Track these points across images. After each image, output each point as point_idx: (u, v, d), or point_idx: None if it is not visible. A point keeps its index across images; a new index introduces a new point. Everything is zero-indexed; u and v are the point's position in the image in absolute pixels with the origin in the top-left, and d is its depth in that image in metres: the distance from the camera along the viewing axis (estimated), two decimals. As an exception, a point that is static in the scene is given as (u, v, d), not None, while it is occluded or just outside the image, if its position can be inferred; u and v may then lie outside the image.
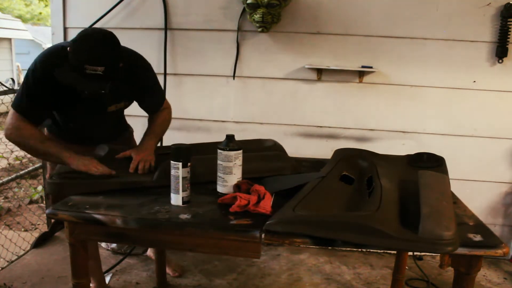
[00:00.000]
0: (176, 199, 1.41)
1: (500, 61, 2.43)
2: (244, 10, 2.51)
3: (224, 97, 2.69)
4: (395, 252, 2.36)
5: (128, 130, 2.17)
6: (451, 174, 1.67)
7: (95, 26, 2.67)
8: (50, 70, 1.55)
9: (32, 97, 1.61)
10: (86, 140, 1.90)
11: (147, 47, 2.67)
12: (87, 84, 1.51)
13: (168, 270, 2.36)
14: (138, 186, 1.56)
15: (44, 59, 1.62)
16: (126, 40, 2.68)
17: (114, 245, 2.65)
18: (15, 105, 1.63)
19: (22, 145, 1.63)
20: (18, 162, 4.71)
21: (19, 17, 14.38)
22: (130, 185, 1.56)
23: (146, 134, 1.90)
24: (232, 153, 1.46)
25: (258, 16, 2.42)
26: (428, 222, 1.18)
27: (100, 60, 1.50)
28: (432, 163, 1.77)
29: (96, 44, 1.52)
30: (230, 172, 1.47)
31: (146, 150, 1.76)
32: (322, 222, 1.23)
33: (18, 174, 2.75)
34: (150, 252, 2.53)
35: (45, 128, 1.93)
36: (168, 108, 2.00)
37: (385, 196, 1.36)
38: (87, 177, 1.56)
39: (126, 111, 2.01)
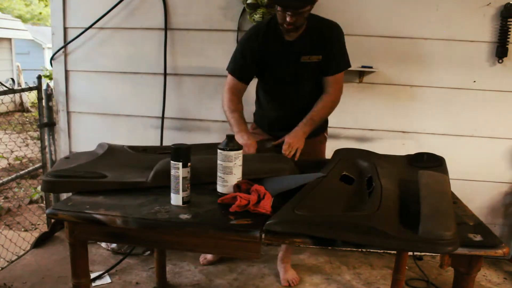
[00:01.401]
0: (176, 199, 1.41)
1: (500, 61, 2.43)
2: (244, 10, 2.51)
3: (224, 97, 2.68)
4: (395, 252, 2.36)
5: (324, 134, 2.21)
6: (451, 174, 1.67)
7: (95, 26, 2.67)
8: (254, 30, 1.98)
9: (238, 58, 1.98)
10: (282, 108, 2.08)
11: (147, 47, 2.69)
12: (289, 2, 1.73)
13: (284, 282, 2.36)
14: (133, 187, 1.55)
15: (249, 29, 2.03)
16: (126, 40, 2.71)
17: (114, 245, 2.65)
18: (229, 67, 2.01)
19: (223, 104, 1.99)
20: (18, 162, 4.71)
21: (19, 17, 14.38)
22: (124, 185, 1.54)
23: (304, 118, 1.96)
24: (232, 153, 1.46)
25: (258, 16, 2.42)
26: (428, 222, 1.18)
27: None
28: (432, 163, 1.77)
29: None
30: (230, 172, 1.47)
31: (296, 137, 1.89)
32: (322, 222, 1.23)
33: (18, 174, 2.75)
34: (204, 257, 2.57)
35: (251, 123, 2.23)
36: (337, 91, 2.01)
37: (385, 196, 1.36)
38: (81, 176, 1.55)
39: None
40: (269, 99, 2.13)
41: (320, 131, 2.13)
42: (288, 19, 1.78)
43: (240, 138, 1.81)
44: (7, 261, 2.51)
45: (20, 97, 8.78)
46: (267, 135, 2.14)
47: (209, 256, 2.55)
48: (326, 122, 2.19)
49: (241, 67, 1.99)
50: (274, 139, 1.97)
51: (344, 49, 1.98)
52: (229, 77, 2.01)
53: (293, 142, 1.86)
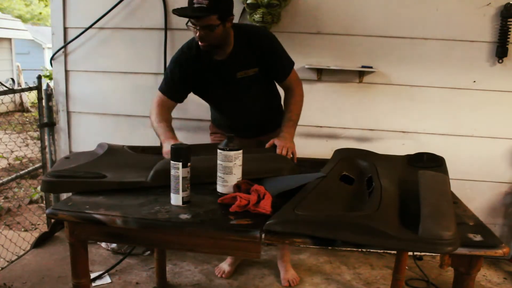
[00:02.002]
0: (176, 199, 1.41)
1: (500, 61, 2.43)
2: (244, 10, 2.51)
3: (224, 97, 2.68)
4: (395, 252, 2.36)
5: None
6: (451, 174, 1.67)
7: (95, 26, 2.67)
8: (185, 51, 1.93)
9: (169, 77, 1.94)
10: (236, 122, 2.08)
11: (147, 47, 2.68)
12: (194, 14, 1.69)
13: (284, 282, 2.35)
14: (132, 187, 1.55)
15: (179, 49, 1.97)
16: (126, 40, 2.71)
17: (114, 245, 2.65)
18: (160, 86, 1.97)
19: (150, 117, 1.93)
20: (18, 162, 4.71)
21: (19, 17, 14.39)
22: (124, 185, 1.54)
23: (284, 122, 1.97)
24: (232, 153, 1.46)
25: (258, 16, 2.42)
26: (428, 222, 1.18)
27: None
28: (432, 163, 1.77)
29: None
30: (230, 172, 1.47)
31: (286, 139, 1.89)
32: (322, 222, 1.23)
33: (18, 174, 2.75)
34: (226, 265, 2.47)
35: (210, 122, 2.25)
36: (299, 87, 2.01)
37: (385, 196, 1.36)
38: (81, 176, 1.56)
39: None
40: (219, 113, 2.14)
41: (279, 125, 2.07)
42: (198, 34, 1.74)
43: (167, 146, 1.68)
44: (7, 261, 2.51)
45: (20, 97, 8.78)
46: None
47: (227, 269, 2.43)
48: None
49: (171, 87, 1.94)
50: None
51: (280, 51, 1.94)
52: (160, 95, 1.95)
53: (285, 144, 1.85)
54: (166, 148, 1.69)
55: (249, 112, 2.06)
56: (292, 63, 2.00)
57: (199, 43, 1.78)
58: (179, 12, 1.69)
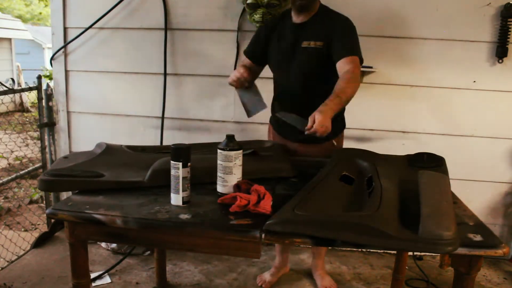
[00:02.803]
0: (176, 199, 1.41)
1: (500, 61, 2.43)
2: (244, 10, 2.51)
3: (224, 97, 2.69)
4: (395, 252, 2.36)
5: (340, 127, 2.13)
6: (451, 174, 1.67)
7: (95, 26, 2.67)
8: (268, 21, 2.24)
9: (252, 40, 2.12)
10: (284, 97, 2.08)
11: (147, 47, 2.69)
12: None
13: None
14: (130, 186, 1.54)
15: None
16: (126, 40, 2.71)
17: (114, 245, 2.65)
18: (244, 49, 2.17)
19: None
20: (18, 162, 4.71)
21: (19, 17, 14.39)
22: (121, 184, 1.54)
23: (330, 97, 1.73)
24: (232, 153, 1.46)
25: (258, 16, 2.42)
26: (428, 222, 1.18)
27: None
28: (432, 163, 1.76)
29: None
30: (230, 172, 1.47)
31: (322, 115, 1.63)
32: (322, 222, 1.23)
33: (18, 174, 2.75)
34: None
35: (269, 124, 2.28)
36: (354, 70, 1.81)
37: (385, 196, 1.36)
38: (78, 175, 1.56)
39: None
40: (276, 94, 2.16)
41: (331, 136, 1.97)
42: None
43: (233, 72, 1.95)
44: (7, 261, 2.51)
45: (20, 97, 8.78)
46: (284, 140, 2.11)
47: (268, 278, 2.35)
48: (341, 125, 2.12)
49: (252, 45, 2.11)
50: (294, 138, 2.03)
51: (351, 34, 1.89)
52: (242, 56, 2.17)
53: (320, 121, 1.61)
54: (232, 74, 1.95)
55: (298, 90, 1.99)
56: (357, 52, 1.86)
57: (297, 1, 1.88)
58: None
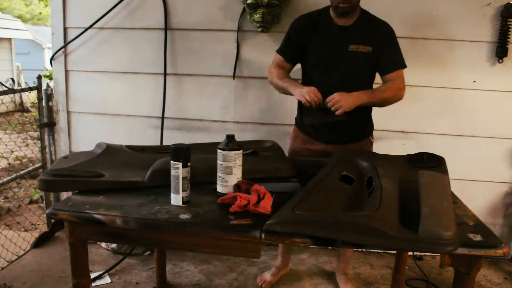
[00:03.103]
0: (176, 199, 1.41)
1: (500, 61, 2.43)
2: (244, 10, 2.51)
3: (224, 97, 2.69)
4: (395, 252, 2.36)
5: (370, 139, 2.15)
6: (451, 174, 1.67)
7: (95, 26, 2.67)
8: (305, 15, 2.02)
9: (288, 38, 2.04)
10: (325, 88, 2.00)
11: (147, 47, 2.69)
12: None
13: None
14: (130, 186, 1.54)
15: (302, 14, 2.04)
16: (126, 40, 2.71)
17: (114, 245, 2.65)
18: (278, 48, 2.08)
19: (271, 81, 2.05)
20: (18, 162, 4.71)
21: (19, 17, 14.39)
22: (121, 184, 1.54)
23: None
24: (232, 153, 1.46)
25: (258, 16, 2.42)
26: (428, 222, 1.18)
27: None
28: (432, 163, 1.76)
29: None
30: (230, 172, 1.47)
31: (350, 95, 1.83)
32: (322, 222, 1.23)
33: (18, 174, 2.75)
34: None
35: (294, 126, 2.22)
36: (400, 84, 1.96)
37: (385, 196, 1.36)
38: (78, 175, 1.56)
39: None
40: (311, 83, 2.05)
41: (366, 135, 2.12)
42: None
43: (299, 89, 1.86)
44: (7, 261, 2.51)
45: (20, 97, 8.78)
46: (308, 142, 2.10)
47: (268, 278, 2.35)
48: (371, 125, 2.15)
49: (287, 46, 2.04)
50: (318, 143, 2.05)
51: (396, 45, 1.96)
52: (276, 55, 2.07)
53: (342, 96, 1.80)
54: (300, 91, 1.85)
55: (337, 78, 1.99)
56: (404, 64, 1.98)
57: (341, 4, 1.84)
58: None
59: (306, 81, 2.08)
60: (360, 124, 2.08)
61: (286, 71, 2.04)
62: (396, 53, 1.96)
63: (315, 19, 1.99)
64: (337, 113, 1.79)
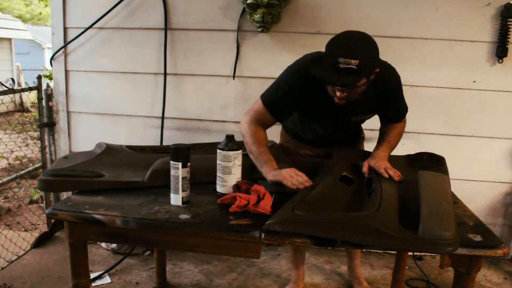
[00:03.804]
0: (176, 199, 1.41)
1: (500, 61, 2.43)
2: (244, 10, 2.51)
3: (224, 97, 2.69)
4: (395, 252, 2.36)
5: (361, 136, 2.14)
6: (451, 174, 1.67)
7: (95, 26, 2.67)
8: (307, 69, 1.60)
9: (282, 94, 1.68)
10: (319, 141, 1.94)
11: (147, 47, 2.68)
12: (339, 77, 1.48)
13: None
14: (129, 186, 1.55)
15: (302, 60, 1.69)
16: (126, 40, 2.71)
17: (114, 245, 2.65)
18: (264, 96, 1.72)
19: (244, 135, 1.70)
20: (18, 162, 4.71)
21: (19, 17, 14.39)
22: (121, 185, 1.54)
23: (380, 144, 1.80)
24: (231, 153, 1.46)
25: (258, 16, 2.42)
26: (428, 223, 1.18)
27: (355, 54, 1.45)
28: (432, 163, 1.76)
29: (353, 39, 1.52)
30: (229, 172, 1.47)
31: (383, 158, 1.70)
32: (322, 222, 1.23)
33: (18, 174, 2.75)
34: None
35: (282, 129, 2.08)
36: (404, 126, 1.89)
37: (385, 197, 1.36)
38: (78, 175, 1.56)
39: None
40: (305, 129, 1.97)
41: (358, 139, 2.12)
42: (338, 94, 1.54)
43: (274, 173, 1.57)
44: (7, 261, 2.51)
45: (20, 97, 8.78)
46: (303, 146, 2.02)
47: None
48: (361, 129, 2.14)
49: (274, 100, 1.70)
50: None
51: (401, 96, 1.80)
52: (261, 106, 1.70)
53: (385, 165, 1.65)
54: (280, 175, 1.54)
55: (338, 136, 1.96)
56: (407, 110, 1.85)
57: (337, 100, 1.59)
58: (325, 77, 1.51)
59: (295, 119, 1.95)
60: (356, 137, 2.10)
61: (264, 127, 1.73)
62: (401, 104, 1.83)
63: (311, 83, 1.63)
64: (396, 178, 1.59)
